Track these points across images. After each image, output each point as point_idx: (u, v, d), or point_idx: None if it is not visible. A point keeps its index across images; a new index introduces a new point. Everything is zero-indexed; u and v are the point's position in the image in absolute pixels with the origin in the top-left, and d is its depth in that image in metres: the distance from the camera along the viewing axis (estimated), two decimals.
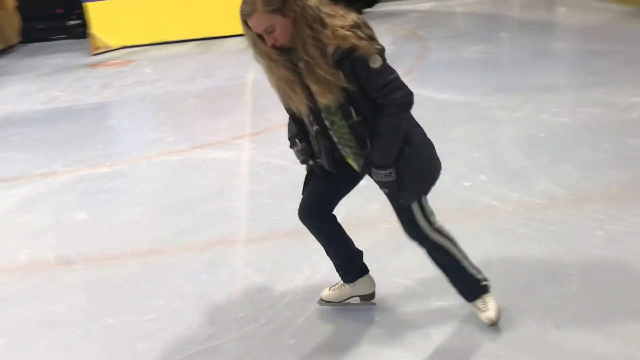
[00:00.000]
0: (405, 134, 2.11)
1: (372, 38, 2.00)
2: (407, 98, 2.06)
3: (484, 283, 2.36)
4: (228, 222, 3.49)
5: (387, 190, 2.19)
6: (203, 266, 3.05)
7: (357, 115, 2.07)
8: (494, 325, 2.34)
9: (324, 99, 2.02)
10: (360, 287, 2.53)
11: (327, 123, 2.12)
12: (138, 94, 6.54)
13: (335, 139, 2.16)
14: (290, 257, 3.02)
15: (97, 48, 8.70)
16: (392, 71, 2.05)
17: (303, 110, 2.10)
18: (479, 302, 2.36)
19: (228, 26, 9.09)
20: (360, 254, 2.51)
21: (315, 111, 2.11)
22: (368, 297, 2.57)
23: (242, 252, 3.17)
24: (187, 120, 5.58)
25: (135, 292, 2.85)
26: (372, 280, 2.54)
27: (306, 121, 2.19)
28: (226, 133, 4.99)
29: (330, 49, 1.96)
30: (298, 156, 2.31)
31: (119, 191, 4.07)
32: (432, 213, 2.27)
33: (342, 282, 2.54)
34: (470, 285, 2.35)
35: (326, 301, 2.58)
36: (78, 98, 6.47)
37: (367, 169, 2.17)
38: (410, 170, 2.15)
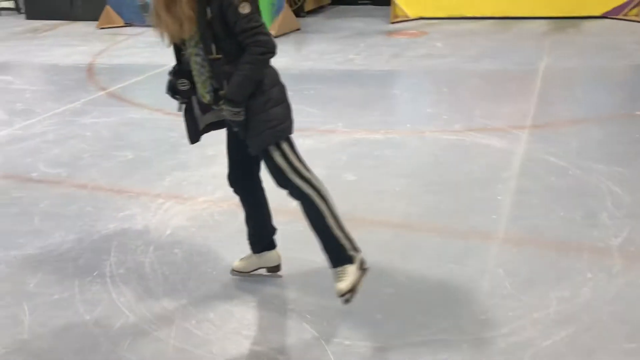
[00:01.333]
0: (263, 83, 2.30)
1: None
2: (271, 44, 2.25)
3: (350, 253, 2.39)
4: (488, 215, 3.32)
5: (237, 130, 2.38)
6: (452, 253, 2.97)
7: (217, 52, 2.25)
8: (343, 297, 2.35)
9: (179, 30, 2.23)
10: (266, 259, 2.76)
11: (190, 55, 2.33)
12: (425, 66, 6.60)
13: (194, 73, 2.35)
14: (548, 270, 2.75)
15: (397, 17, 8.99)
16: (259, 19, 2.25)
17: (168, 37, 2.29)
18: (338, 270, 2.39)
19: (531, 7, 8.56)
20: (273, 230, 2.77)
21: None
22: (274, 269, 2.79)
23: (496, 250, 2.99)
24: (466, 100, 5.44)
25: (382, 262, 2.90)
26: (278, 254, 2.78)
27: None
28: (505, 120, 4.73)
29: None
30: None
31: (387, 160, 4.18)
32: (299, 160, 2.40)
33: (250, 252, 2.76)
34: (332, 248, 2.39)
35: (236, 271, 2.80)
36: (369, 63, 6.79)
37: (218, 103, 2.33)
38: (257, 119, 2.31)
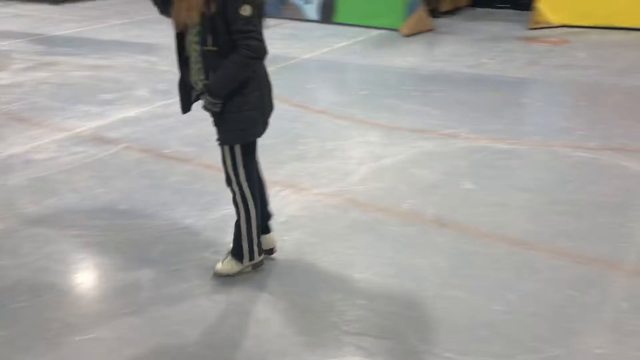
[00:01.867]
0: (246, 85, 2.44)
1: None
2: (261, 50, 2.39)
3: (244, 256, 2.75)
4: (616, 242, 3.07)
5: (212, 119, 2.56)
6: (572, 279, 2.78)
7: (213, 45, 2.38)
8: (215, 274, 2.79)
9: (185, 15, 2.37)
10: (262, 242, 2.85)
11: (190, 43, 2.48)
12: (563, 77, 6.22)
13: (191, 60, 2.50)
14: None
15: (537, 23, 8.54)
16: (257, 25, 2.36)
17: (175, 23, 2.46)
18: (228, 257, 2.81)
19: None
20: (269, 216, 2.93)
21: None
22: (269, 252, 2.92)
23: (623, 282, 2.76)
24: (606, 116, 5.05)
25: (494, 277, 2.79)
26: (273, 238, 2.94)
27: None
28: None
29: None
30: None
31: (511, 171, 3.99)
32: (243, 166, 2.60)
33: None
34: (235, 245, 2.77)
35: None
36: (502, 69, 6.53)
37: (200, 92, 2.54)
38: (231, 118, 2.47)
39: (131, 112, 5.06)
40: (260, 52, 2.38)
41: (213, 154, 4.43)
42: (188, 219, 3.38)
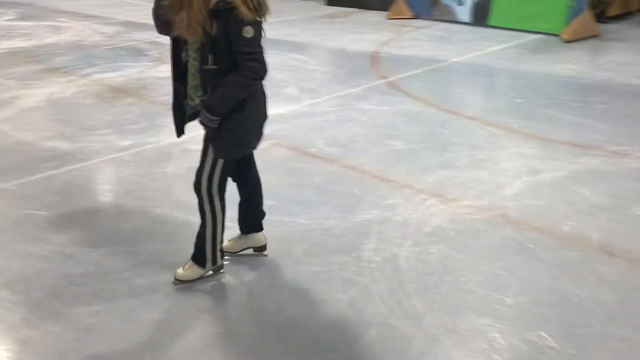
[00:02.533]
0: (245, 102, 2.44)
1: (257, 9, 2.29)
2: (262, 71, 2.40)
3: (207, 262, 2.72)
4: None
5: (206, 131, 2.54)
6: None
7: (213, 63, 2.36)
8: (175, 282, 2.73)
9: (187, 31, 2.31)
10: (254, 240, 2.94)
11: (190, 60, 2.48)
12: None
13: (189, 75, 2.50)
14: None
15: None
16: (259, 45, 2.36)
17: (176, 32, 2.37)
18: (190, 262, 2.75)
19: None
20: (262, 215, 2.96)
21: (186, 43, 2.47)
22: (260, 249, 2.96)
23: None
24: None
25: None
26: (264, 236, 2.96)
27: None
28: None
29: None
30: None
31: None
32: (219, 179, 2.58)
33: (239, 234, 2.95)
34: (197, 249, 2.74)
35: (224, 251, 2.82)
36: None
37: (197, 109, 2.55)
38: (228, 132, 2.48)
39: (281, 110, 5.16)
40: (261, 73, 2.41)
41: (358, 155, 4.41)
42: (330, 220, 3.35)
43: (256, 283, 2.80)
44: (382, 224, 3.28)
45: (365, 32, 8.66)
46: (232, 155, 2.58)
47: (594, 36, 7.82)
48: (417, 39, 8.15)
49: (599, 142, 4.36)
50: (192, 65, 2.47)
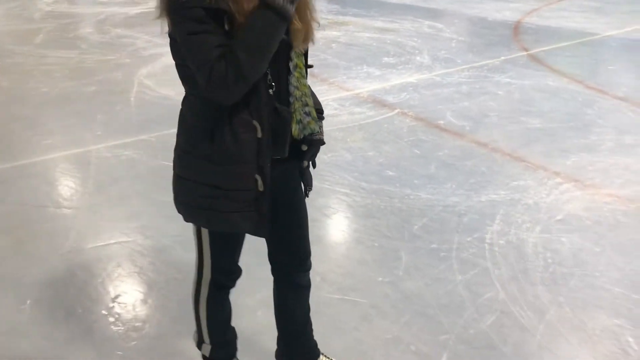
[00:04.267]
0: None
1: None
2: None
3: (204, 345, 1.89)
4: None
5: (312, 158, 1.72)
6: None
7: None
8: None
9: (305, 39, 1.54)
10: None
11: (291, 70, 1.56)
12: None
13: (291, 98, 1.58)
14: None
15: None
16: None
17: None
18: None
19: None
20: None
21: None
22: None
23: None
24: None
25: None
26: None
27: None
28: None
29: None
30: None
31: None
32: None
33: None
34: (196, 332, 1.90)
35: None
36: None
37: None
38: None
39: (411, 78, 5.02)
40: None
41: (489, 130, 4.17)
42: (453, 197, 3.21)
43: (370, 253, 2.76)
44: (510, 206, 3.08)
45: (510, 1, 8.14)
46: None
47: None
48: (567, 9, 7.52)
49: None
50: (299, 76, 1.60)
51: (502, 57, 5.61)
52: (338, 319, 2.33)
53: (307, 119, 1.63)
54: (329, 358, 2.04)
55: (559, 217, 2.96)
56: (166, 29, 1.52)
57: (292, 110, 1.58)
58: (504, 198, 3.18)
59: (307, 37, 1.56)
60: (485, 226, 2.91)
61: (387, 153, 3.78)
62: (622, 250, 2.70)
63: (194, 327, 1.91)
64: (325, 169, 3.56)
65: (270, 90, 1.52)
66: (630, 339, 2.17)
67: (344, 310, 2.37)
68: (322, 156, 3.69)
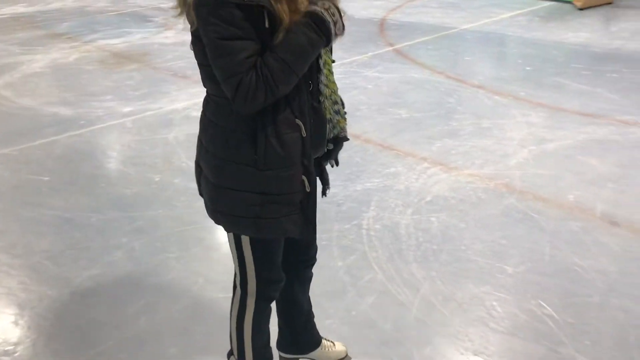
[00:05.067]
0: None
1: None
2: None
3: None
4: None
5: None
6: None
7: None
8: None
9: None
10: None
11: (321, 68, 1.53)
12: None
13: (321, 97, 1.53)
14: None
15: None
16: None
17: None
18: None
19: None
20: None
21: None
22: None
23: None
24: None
25: None
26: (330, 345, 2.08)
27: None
28: None
29: None
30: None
31: None
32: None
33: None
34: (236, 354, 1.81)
35: None
36: None
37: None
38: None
39: None
40: None
41: (361, 123, 4.35)
42: (332, 188, 3.27)
43: None
44: (384, 192, 3.25)
45: None
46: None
47: (608, 3, 7.62)
48: (427, 6, 7.98)
49: (608, 111, 4.27)
50: (329, 72, 1.57)
51: (370, 53, 5.86)
52: (225, 318, 2.32)
53: (337, 117, 1.57)
54: (329, 341, 2.07)
55: (427, 199, 3.16)
56: (181, 25, 1.43)
57: (324, 108, 1.52)
58: (377, 185, 3.33)
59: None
60: (362, 213, 3.04)
61: None
62: (484, 224, 2.94)
63: (227, 347, 1.83)
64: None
65: (310, 88, 1.47)
66: (495, 303, 2.38)
67: (228, 308, 2.37)
68: None
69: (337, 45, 5.49)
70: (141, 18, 7.47)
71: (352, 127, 4.19)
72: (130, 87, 4.98)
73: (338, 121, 1.59)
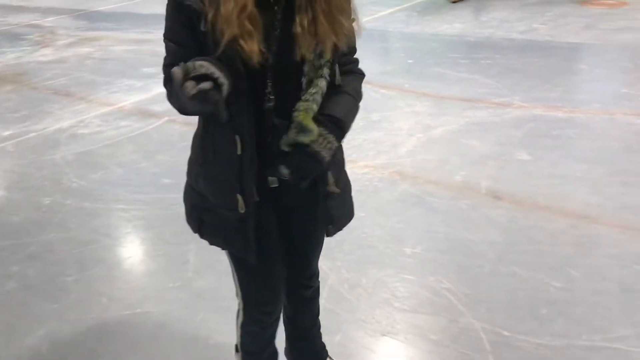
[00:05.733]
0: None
1: None
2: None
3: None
4: None
5: (305, 181, 1.39)
6: (638, 254, 2.60)
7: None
8: None
9: (326, 40, 1.31)
10: None
11: (303, 86, 1.34)
12: (622, 41, 5.86)
13: (301, 104, 1.34)
14: None
15: None
16: None
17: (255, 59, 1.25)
18: None
19: None
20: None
21: (281, 69, 1.32)
22: None
23: None
24: None
25: (555, 254, 2.63)
26: None
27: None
28: None
29: None
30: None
31: (568, 141, 3.78)
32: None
33: None
34: None
35: None
36: (556, 34, 6.20)
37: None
38: (348, 187, 1.64)
39: None
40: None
41: None
42: None
43: (157, 262, 2.73)
44: None
45: None
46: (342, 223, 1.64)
47: None
48: None
49: (485, 95, 4.58)
50: (322, 87, 1.37)
51: None
52: (132, 335, 2.28)
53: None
54: None
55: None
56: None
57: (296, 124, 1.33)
58: None
59: (324, 41, 1.31)
60: None
61: (161, 162, 3.75)
62: (381, 211, 3.06)
63: None
64: (97, 188, 3.41)
65: (269, 104, 1.32)
66: (398, 284, 2.49)
67: (136, 324, 2.33)
68: (91, 175, 3.55)
69: None
70: (13, 36, 7.05)
71: None
72: (8, 110, 4.69)
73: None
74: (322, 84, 1.37)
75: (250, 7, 1.23)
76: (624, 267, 2.52)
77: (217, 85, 1.17)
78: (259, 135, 1.35)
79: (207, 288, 2.52)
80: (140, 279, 2.66)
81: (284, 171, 1.34)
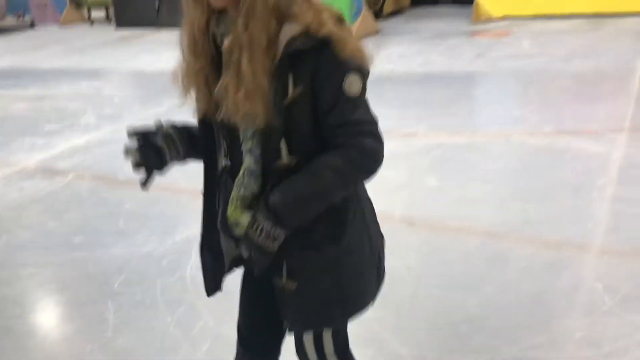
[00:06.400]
0: (347, 207, 1.33)
1: (361, 48, 1.29)
2: (381, 154, 1.29)
3: None
4: (582, 224, 3.09)
5: (254, 264, 1.31)
6: (544, 265, 2.78)
7: (289, 154, 1.25)
8: None
9: (238, 110, 1.23)
10: None
11: (244, 154, 1.30)
12: (510, 67, 6.32)
13: (237, 179, 1.32)
14: None
15: (479, 16, 8.70)
16: (372, 112, 1.31)
17: (207, 113, 1.33)
18: None
19: (626, 2, 8.06)
20: None
21: (229, 129, 1.32)
22: None
23: (593, 263, 2.77)
24: (557, 102, 5.15)
25: (467, 272, 2.76)
26: None
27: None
28: (599, 123, 4.43)
29: (288, 31, 1.19)
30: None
31: (472, 164, 4.00)
32: (333, 353, 1.50)
33: None
34: None
35: None
36: (451, 64, 6.60)
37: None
38: (325, 282, 1.36)
39: (79, 140, 4.87)
40: (380, 157, 1.31)
41: (170, 175, 4.29)
42: (148, 245, 3.24)
43: (74, 325, 2.61)
44: None
45: (162, 51, 8.50)
46: (334, 319, 1.49)
47: (376, 33, 8.53)
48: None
49: (392, 127, 4.74)
50: (248, 165, 1.31)
51: (168, 104, 5.85)
52: None
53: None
54: None
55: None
56: None
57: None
58: (195, 233, 3.31)
59: (235, 108, 1.22)
60: (184, 264, 3.01)
61: (70, 220, 3.61)
62: None
63: None
64: (2, 254, 3.23)
65: (224, 163, 1.41)
66: None
67: None
68: None
69: (131, 101, 5.42)
70: None
71: (160, 180, 4.14)
72: None
73: (234, 217, 1.33)
74: (248, 162, 1.29)
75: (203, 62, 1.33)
76: (532, 279, 2.68)
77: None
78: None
79: (128, 347, 2.43)
80: (55, 346, 2.53)
81: (244, 253, 1.30)
